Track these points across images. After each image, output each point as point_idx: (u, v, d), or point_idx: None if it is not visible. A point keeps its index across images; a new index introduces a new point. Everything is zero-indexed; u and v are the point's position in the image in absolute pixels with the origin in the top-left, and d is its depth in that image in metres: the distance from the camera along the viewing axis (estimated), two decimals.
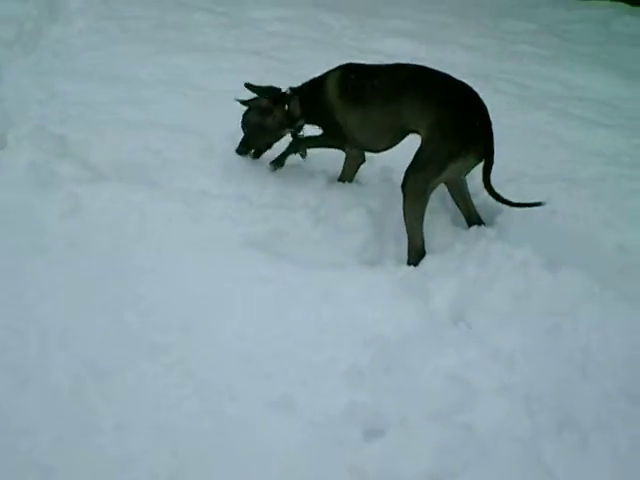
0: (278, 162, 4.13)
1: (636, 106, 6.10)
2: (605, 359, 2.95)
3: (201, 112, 5.01)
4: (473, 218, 3.84)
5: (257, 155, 4.25)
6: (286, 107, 4.06)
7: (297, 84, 4.12)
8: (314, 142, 4.09)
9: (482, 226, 3.79)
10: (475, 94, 3.60)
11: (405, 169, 3.54)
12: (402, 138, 3.79)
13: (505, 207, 3.78)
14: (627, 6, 9.69)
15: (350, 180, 4.22)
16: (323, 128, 4.00)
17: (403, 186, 3.54)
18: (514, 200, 3.60)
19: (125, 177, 4.05)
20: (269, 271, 3.34)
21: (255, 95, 4.18)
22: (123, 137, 4.47)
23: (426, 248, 3.60)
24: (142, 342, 2.93)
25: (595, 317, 3.12)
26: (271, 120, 4.10)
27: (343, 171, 4.22)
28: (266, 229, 3.67)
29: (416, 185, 3.51)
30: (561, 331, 3.07)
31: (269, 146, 4.23)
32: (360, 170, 4.20)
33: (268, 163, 4.15)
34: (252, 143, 4.22)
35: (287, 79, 5.77)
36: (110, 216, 3.66)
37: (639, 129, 5.48)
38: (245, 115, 4.18)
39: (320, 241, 3.66)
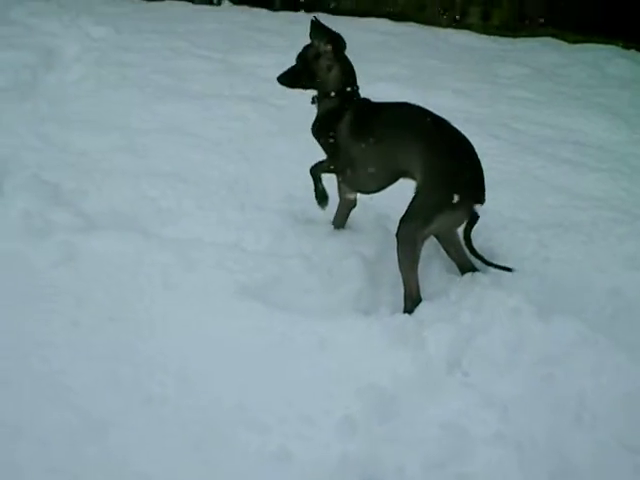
0: (320, 197, 4.12)
1: (627, 149, 6.14)
2: (599, 407, 2.95)
3: (196, 159, 5.04)
4: (466, 265, 3.85)
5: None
6: (332, 72, 4.00)
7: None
8: (320, 168, 4.08)
9: (476, 273, 3.80)
10: (470, 145, 3.62)
11: (400, 216, 3.57)
12: (394, 181, 3.82)
13: (500, 253, 3.80)
14: (620, 49, 9.78)
15: (342, 225, 4.24)
16: (328, 150, 4.01)
17: (397, 234, 3.57)
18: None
19: (120, 225, 4.06)
20: (263, 320, 3.34)
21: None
22: (118, 185, 4.49)
23: (421, 295, 3.61)
24: (137, 393, 2.91)
25: (589, 364, 3.11)
26: (318, 65, 4.02)
27: (336, 216, 4.24)
28: (260, 277, 3.67)
29: (407, 235, 3.54)
30: (555, 379, 3.07)
31: (302, 86, 4.15)
32: (355, 217, 4.22)
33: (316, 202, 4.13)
34: (295, 74, 4.13)
35: (283, 125, 5.85)
36: (105, 265, 3.67)
37: (630, 173, 5.51)
38: (306, 47, 4.09)
39: (314, 289, 3.67)
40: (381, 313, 3.52)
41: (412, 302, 3.59)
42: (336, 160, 3.96)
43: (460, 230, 3.68)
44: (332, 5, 11.58)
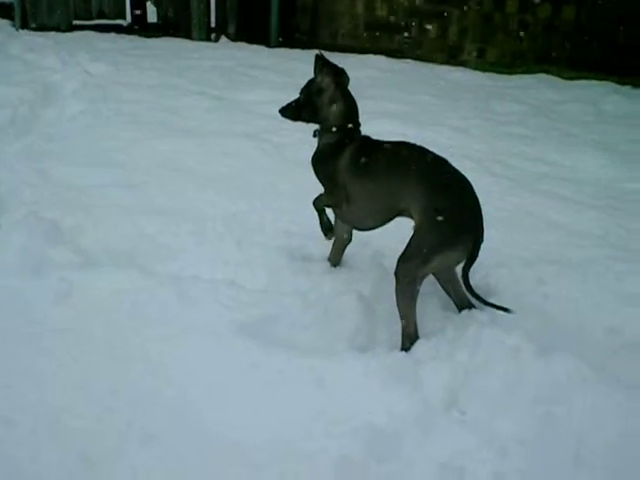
0: (325, 228, 4.13)
1: (624, 186, 6.17)
2: (599, 446, 2.91)
3: (194, 196, 5.05)
4: (464, 303, 3.85)
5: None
6: (334, 107, 4.03)
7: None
8: (320, 201, 4.08)
9: (473, 310, 3.79)
10: (469, 185, 3.63)
11: (396, 254, 3.57)
12: (391, 219, 3.83)
13: (497, 290, 3.79)
14: (615, 85, 9.86)
15: (338, 261, 4.25)
16: (326, 183, 4.01)
17: (395, 273, 3.56)
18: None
19: (118, 262, 4.07)
20: (260, 357, 3.31)
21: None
22: (116, 222, 4.49)
23: (417, 330, 3.60)
24: (133, 432, 2.89)
25: (588, 403, 3.08)
26: (321, 100, 4.04)
27: (331, 252, 4.24)
28: (257, 314, 3.66)
29: (406, 273, 3.53)
30: (554, 418, 3.03)
31: (304, 120, 4.17)
32: (351, 255, 4.22)
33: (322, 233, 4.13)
34: (298, 107, 4.15)
35: (281, 162, 5.88)
36: (102, 302, 3.65)
37: (627, 209, 5.53)
38: (310, 81, 4.10)
39: (311, 326, 3.65)
40: (377, 351, 3.50)
41: (410, 340, 3.57)
42: (333, 194, 3.96)
43: (458, 268, 3.68)
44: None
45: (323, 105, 4.03)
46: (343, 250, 4.24)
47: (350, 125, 4.02)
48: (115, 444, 2.83)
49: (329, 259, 4.24)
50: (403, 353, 3.50)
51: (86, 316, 3.57)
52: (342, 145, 3.95)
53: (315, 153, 4.09)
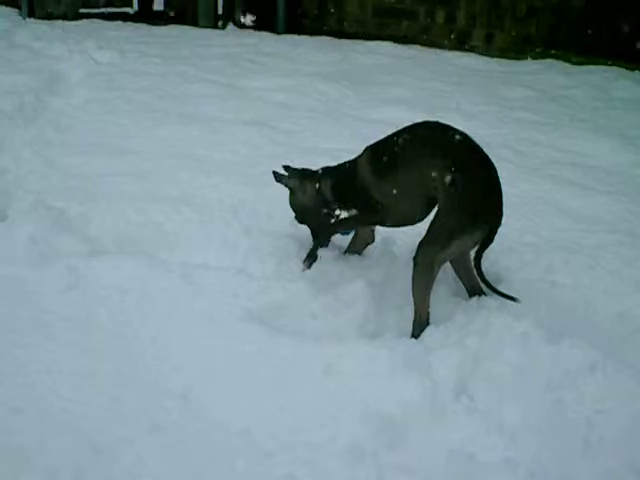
0: (310, 258, 4.09)
1: (634, 171, 6.12)
2: (609, 432, 2.90)
3: (201, 183, 5.04)
4: (475, 289, 3.83)
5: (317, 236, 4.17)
6: (317, 185, 4.06)
7: (331, 164, 4.15)
8: (350, 222, 4.01)
9: (483, 297, 3.77)
10: (493, 169, 3.59)
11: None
12: (433, 206, 3.71)
13: (506, 276, 3.78)
14: (624, 70, 9.80)
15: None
16: (360, 208, 3.93)
17: (415, 258, 3.55)
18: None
19: (125, 250, 4.06)
20: (268, 345, 3.31)
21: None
22: (123, 210, 4.48)
23: (429, 317, 3.59)
24: (141, 420, 2.88)
25: (598, 389, 3.08)
26: (305, 198, 4.11)
27: (348, 249, 4.22)
28: (265, 302, 3.65)
29: (425, 258, 3.51)
30: (563, 404, 3.02)
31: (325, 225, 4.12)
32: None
33: (302, 262, 4.09)
34: (305, 222, 4.21)
35: (288, 149, 5.86)
36: (110, 290, 3.65)
37: (637, 195, 5.49)
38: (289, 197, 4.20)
39: (319, 314, 3.64)
40: (387, 337, 3.49)
41: (421, 327, 3.56)
42: (371, 210, 3.89)
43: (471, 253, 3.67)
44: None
45: (310, 202, 4.11)
46: (363, 249, 4.22)
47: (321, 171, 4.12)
48: (122, 433, 2.82)
49: (345, 252, 4.21)
50: (412, 340, 3.50)
51: (93, 304, 3.56)
52: (352, 170, 3.94)
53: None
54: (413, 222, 3.86)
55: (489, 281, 3.65)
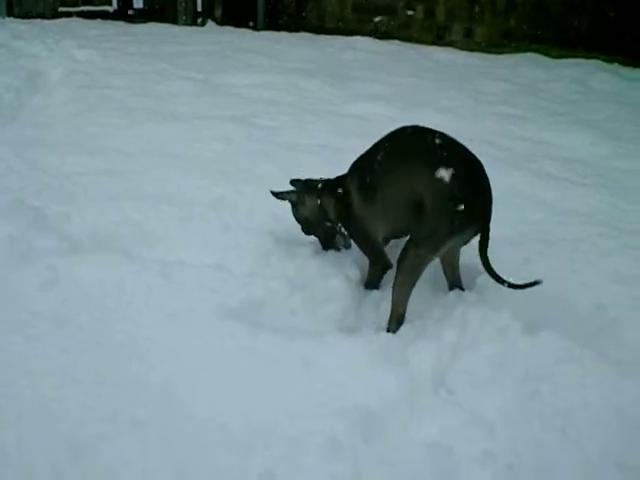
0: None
1: (612, 164, 6.16)
2: (586, 423, 2.93)
3: (181, 181, 5.03)
4: (456, 283, 3.85)
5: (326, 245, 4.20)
6: (318, 201, 4.05)
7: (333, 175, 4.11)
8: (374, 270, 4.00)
9: (461, 291, 3.79)
10: (479, 167, 3.52)
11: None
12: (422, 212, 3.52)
13: (483, 270, 3.80)
14: (603, 63, 9.85)
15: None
16: (358, 242, 3.96)
17: (400, 260, 3.51)
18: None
19: (104, 249, 4.05)
20: (247, 341, 3.32)
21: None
22: (102, 208, 4.48)
23: (405, 314, 3.60)
24: (120, 417, 2.89)
25: (575, 380, 3.10)
26: (306, 211, 4.12)
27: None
28: (244, 298, 3.66)
29: (414, 261, 3.48)
30: (541, 395, 3.05)
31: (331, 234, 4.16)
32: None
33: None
34: (311, 233, 4.20)
35: (268, 145, 5.87)
36: (89, 289, 3.65)
37: (613, 187, 5.52)
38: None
39: (298, 310, 3.66)
40: (365, 332, 3.52)
41: (397, 324, 3.57)
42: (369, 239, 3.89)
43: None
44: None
45: (313, 215, 4.11)
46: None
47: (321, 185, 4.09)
48: (101, 429, 2.83)
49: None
50: (391, 334, 3.51)
51: (73, 303, 3.56)
52: (346, 198, 3.89)
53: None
54: (406, 233, 3.71)
55: (502, 277, 3.49)
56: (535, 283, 3.40)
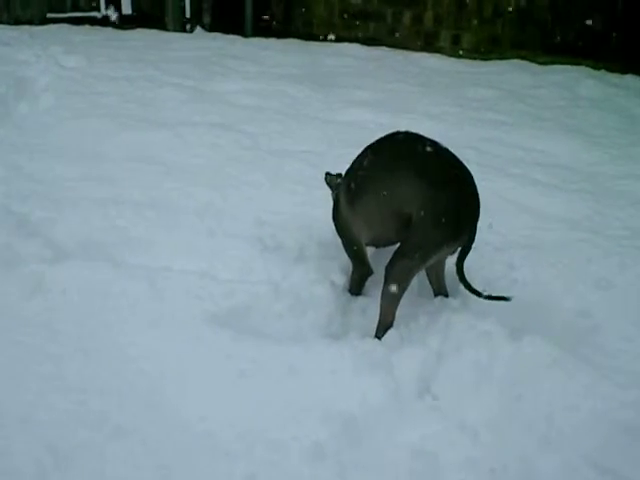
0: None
1: (597, 170, 6.17)
2: (567, 427, 2.94)
3: (166, 187, 5.03)
4: (442, 290, 3.87)
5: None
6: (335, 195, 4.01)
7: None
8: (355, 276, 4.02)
9: (445, 298, 3.81)
10: (469, 178, 3.50)
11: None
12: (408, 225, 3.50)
13: (467, 275, 3.79)
14: (589, 69, 9.89)
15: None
16: (343, 245, 3.95)
17: (388, 269, 3.49)
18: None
19: (89, 255, 4.04)
20: (232, 348, 3.32)
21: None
22: (87, 215, 4.47)
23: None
24: (104, 424, 2.88)
25: (557, 385, 3.12)
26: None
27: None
28: (229, 304, 3.66)
29: (402, 272, 3.48)
30: (524, 400, 3.06)
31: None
32: (324, 244, 4.18)
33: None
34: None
35: (255, 152, 5.88)
36: (74, 296, 3.64)
37: (600, 193, 5.54)
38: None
39: (283, 315, 3.66)
40: (350, 338, 3.51)
41: (385, 331, 3.57)
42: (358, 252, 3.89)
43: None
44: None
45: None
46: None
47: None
48: (85, 437, 2.83)
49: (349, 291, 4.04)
50: (376, 340, 3.51)
51: (57, 309, 3.56)
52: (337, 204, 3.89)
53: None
54: (392, 244, 3.71)
55: (475, 288, 3.51)
56: (504, 298, 3.46)
